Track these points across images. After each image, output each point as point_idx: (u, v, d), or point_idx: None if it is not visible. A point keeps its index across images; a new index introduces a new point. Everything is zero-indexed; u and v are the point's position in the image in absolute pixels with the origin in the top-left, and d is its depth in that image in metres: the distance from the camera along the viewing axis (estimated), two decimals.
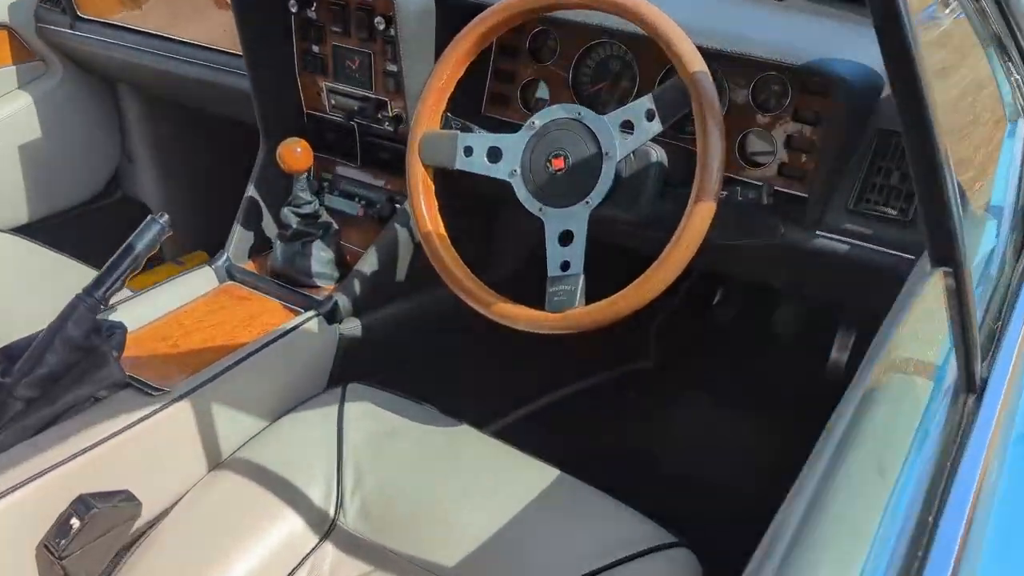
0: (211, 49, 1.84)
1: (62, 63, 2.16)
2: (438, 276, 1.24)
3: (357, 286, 1.49)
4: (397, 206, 1.59)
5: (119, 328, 1.26)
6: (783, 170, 1.31)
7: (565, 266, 1.17)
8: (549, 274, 1.18)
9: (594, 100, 1.44)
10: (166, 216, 1.26)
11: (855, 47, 1.22)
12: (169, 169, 2.29)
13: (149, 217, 1.26)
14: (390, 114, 1.58)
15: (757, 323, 2.10)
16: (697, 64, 1.10)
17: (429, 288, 1.54)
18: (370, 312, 1.51)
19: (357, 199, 1.66)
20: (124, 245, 1.24)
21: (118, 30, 1.98)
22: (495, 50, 1.51)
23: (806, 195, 1.27)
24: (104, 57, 2.04)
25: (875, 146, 1.23)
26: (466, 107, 1.47)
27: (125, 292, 1.53)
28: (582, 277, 1.16)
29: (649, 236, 1.31)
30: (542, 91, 1.49)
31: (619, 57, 1.42)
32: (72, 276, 1.70)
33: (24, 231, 2.03)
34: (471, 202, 1.46)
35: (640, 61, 1.40)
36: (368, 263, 1.51)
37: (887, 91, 1.24)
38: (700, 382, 2.06)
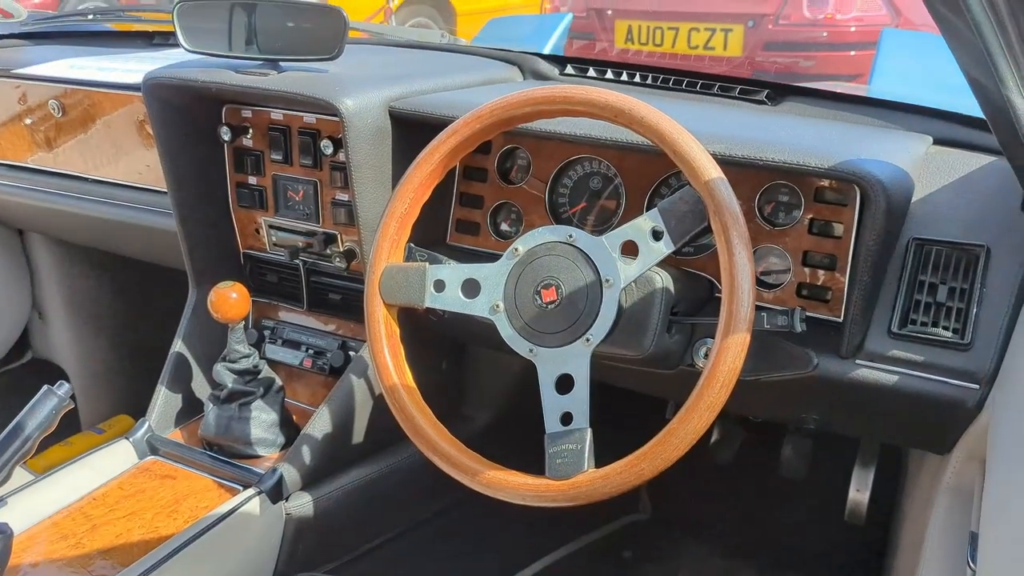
0: (132, 187, 1.71)
1: None
2: (405, 436, 1.08)
3: (306, 454, 1.34)
4: (352, 354, 1.49)
5: (2, 532, 1.06)
6: (802, 291, 1.18)
7: (566, 419, 0.99)
8: (548, 430, 1.00)
9: (574, 223, 1.31)
10: (65, 386, 1.08)
11: (872, 149, 1.12)
12: (87, 324, 2.13)
13: (44, 388, 1.09)
14: (341, 249, 1.48)
15: (761, 462, 1.91)
16: (712, 170, 0.95)
17: (393, 450, 1.42)
18: (323, 485, 1.35)
19: (304, 348, 1.55)
20: (12, 424, 1.07)
21: (26, 172, 1.84)
22: (458, 173, 1.40)
23: (838, 318, 1.12)
24: (10, 204, 1.90)
25: (911, 258, 1.09)
26: (428, 236, 1.34)
27: (22, 475, 1.30)
28: (589, 432, 0.98)
29: (656, 375, 1.13)
30: (515, 216, 1.37)
31: (600, 173, 1.31)
32: None
33: None
34: (442, 343, 1.28)
35: (625, 176, 1.29)
36: (319, 425, 1.36)
37: (918, 195, 1.11)
38: (704, 534, 1.90)
